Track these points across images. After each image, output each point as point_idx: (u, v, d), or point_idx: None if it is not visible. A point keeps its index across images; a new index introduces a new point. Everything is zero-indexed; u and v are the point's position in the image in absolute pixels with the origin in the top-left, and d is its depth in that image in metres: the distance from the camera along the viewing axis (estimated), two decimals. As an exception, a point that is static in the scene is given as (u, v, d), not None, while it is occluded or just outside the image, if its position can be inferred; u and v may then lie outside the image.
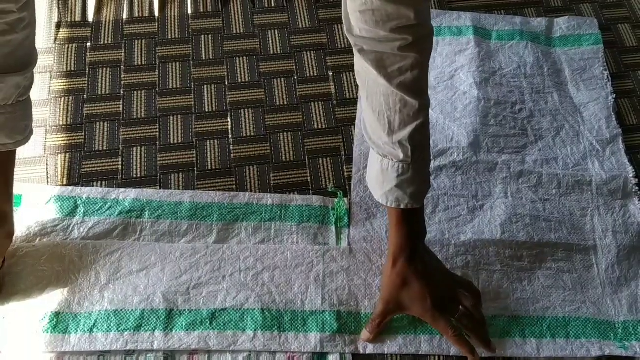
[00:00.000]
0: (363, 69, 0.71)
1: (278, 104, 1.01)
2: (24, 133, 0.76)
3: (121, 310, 0.79)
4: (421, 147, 0.73)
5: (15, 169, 0.89)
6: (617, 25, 1.15)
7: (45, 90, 1.00)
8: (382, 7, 0.64)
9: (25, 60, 0.72)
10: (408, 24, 0.65)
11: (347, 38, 1.07)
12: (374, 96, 0.71)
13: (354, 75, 1.04)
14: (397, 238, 0.78)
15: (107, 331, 0.78)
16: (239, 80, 1.03)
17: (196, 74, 1.03)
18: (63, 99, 0.99)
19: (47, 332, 0.77)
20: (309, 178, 0.94)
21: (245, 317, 0.80)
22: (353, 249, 0.87)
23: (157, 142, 0.96)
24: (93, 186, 0.91)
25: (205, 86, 1.02)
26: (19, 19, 0.67)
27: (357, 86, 1.03)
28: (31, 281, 0.81)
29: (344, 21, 0.69)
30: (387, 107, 0.70)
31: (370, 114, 0.73)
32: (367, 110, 0.73)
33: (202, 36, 1.08)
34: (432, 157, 0.95)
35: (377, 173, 0.75)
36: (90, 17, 1.08)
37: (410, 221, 0.77)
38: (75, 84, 1.01)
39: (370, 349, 0.80)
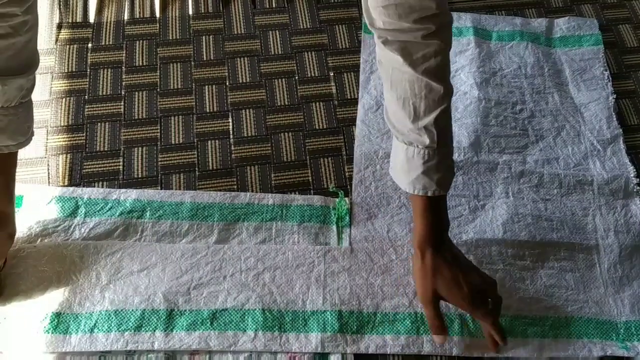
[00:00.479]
0: (387, 59, 0.72)
1: (279, 104, 1.01)
2: (26, 134, 0.76)
3: (122, 310, 0.79)
4: (445, 131, 0.74)
5: (17, 170, 0.90)
6: (618, 26, 1.15)
7: (46, 91, 1.00)
8: (405, 1, 0.66)
9: (28, 63, 0.72)
10: (430, 14, 0.67)
11: (348, 39, 1.09)
12: (398, 84, 0.72)
13: (354, 76, 1.05)
14: (423, 228, 0.78)
15: (108, 331, 0.78)
16: (240, 81, 1.03)
17: (197, 74, 1.04)
18: (64, 99, 0.99)
19: (48, 333, 0.77)
20: (310, 178, 0.94)
21: (246, 317, 0.80)
22: (354, 249, 0.87)
23: (158, 143, 0.96)
24: (94, 187, 0.91)
25: (206, 86, 1.02)
26: (22, 22, 0.68)
27: (357, 86, 1.03)
28: (32, 282, 0.80)
29: (364, 15, 0.71)
30: (412, 94, 0.71)
31: (394, 103, 0.74)
32: (391, 99, 0.74)
33: (203, 37, 1.08)
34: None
35: (402, 162, 0.76)
36: (92, 18, 1.08)
37: (436, 210, 0.77)
38: (76, 85, 1.01)
39: (372, 348, 0.79)
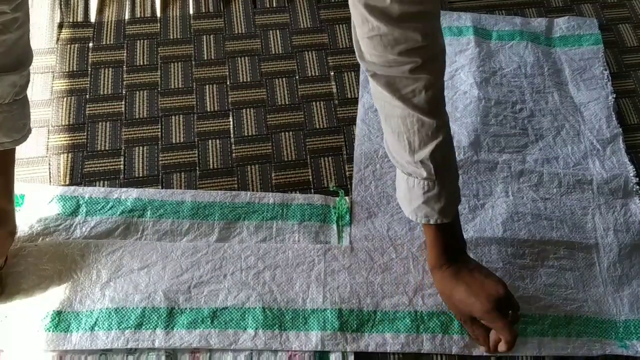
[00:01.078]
0: (378, 92, 0.71)
1: (279, 103, 1.01)
2: (22, 132, 0.76)
3: (122, 308, 0.79)
4: (444, 164, 0.73)
5: (18, 169, 0.90)
6: (618, 25, 1.15)
7: (47, 90, 1.00)
8: (389, 32, 0.64)
9: (20, 60, 0.72)
10: (416, 46, 0.65)
11: (348, 38, 1.09)
12: (391, 118, 0.71)
13: (355, 75, 1.05)
14: (435, 254, 0.79)
15: (109, 329, 0.78)
16: (241, 80, 1.04)
17: (198, 73, 1.04)
18: (65, 99, 0.99)
19: (49, 331, 0.77)
20: (310, 177, 0.95)
21: (247, 315, 0.80)
22: (354, 248, 0.87)
23: (159, 142, 0.96)
24: (95, 186, 0.91)
25: (207, 86, 1.02)
26: (12, 19, 0.68)
27: (358, 85, 1.03)
28: (33, 280, 0.81)
29: (354, 47, 0.70)
30: (405, 129, 0.71)
31: (390, 135, 0.73)
32: (387, 132, 0.74)
33: (204, 36, 1.08)
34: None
35: (405, 191, 0.76)
36: (92, 17, 1.09)
37: (445, 234, 0.78)
38: (77, 84, 1.01)
39: (372, 347, 0.80)
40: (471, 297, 0.76)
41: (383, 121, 0.74)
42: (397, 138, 0.72)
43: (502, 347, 0.77)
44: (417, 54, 0.66)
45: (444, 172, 0.73)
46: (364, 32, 0.66)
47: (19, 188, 0.88)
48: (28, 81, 0.75)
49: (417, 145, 0.71)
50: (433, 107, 0.69)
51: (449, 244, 0.78)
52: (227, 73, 1.04)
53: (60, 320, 0.78)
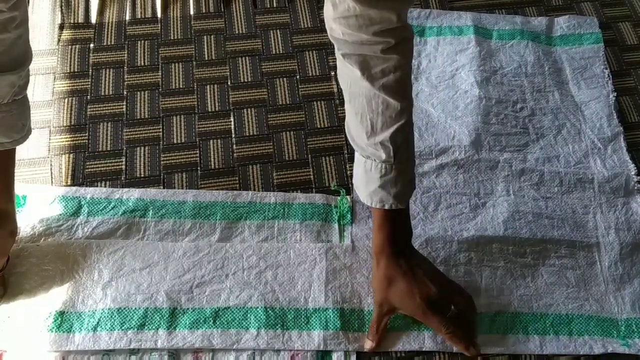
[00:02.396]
0: (346, 72, 0.71)
1: (280, 103, 1.02)
2: (22, 132, 0.76)
3: (124, 308, 0.80)
4: (403, 147, 0.73)
5: (20, 170, 0.90)
6: (618, 24, 1.15)
7: (48, 91, 1.00)
8: (365, 12, 0.64)
9: (19, 59, 0.72)
10: (390, 27, 0.65)
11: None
12: (356, 99, 0.71)
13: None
14: (379, 238, 0.78)
15: (111, 330, 0.78)
16: (242, 80, 1.04)
17: (199, 74, 1.04)
18: (66, 99, 1.00)
19: (52, 332, 0.77)
20: (311, 176, 0.95)
21: (249, 315, 0.80)
22: (356, 247, 0.87)
23: (161, 142, 0.97)
24: (97, 186, 0.91)
25: (208, 86, 1.03)
26: (10, 18, 0.68)
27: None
28: (35, 280, 0.81)
29: (326, 24, 0.70)
30: (369, 109, 0.71)
31: (352, 117, 0.73)
32: (350, 113, 0.74)
33: (205, 36, 1.08)
34: (433, 156, 0.95)
35: (362, 174, 0.76)
36: (93, 18, 1.09)
37: (394, 222, 0.77)
38: (78, 85, 1.01)
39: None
40: (405, 297, 0.77)
41: (347, 102, 0.74)
42: (360, 119, 0.72)
43: (456, 347, 0.79)
44: (390, 35, 0.66)
45: (402, 157, 0.73)
46: (339, 12, 0.65)
47: (20, 189, 0.88)
48: (27, 82, 0.75)
49: (380, 127, 0.71)
50: (400, 89, 0.70)
51: (394, 231, 0.78)
52: (228, 73, 1.04)
53: (63, 320, 0.78)
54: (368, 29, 0.65)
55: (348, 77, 0.71)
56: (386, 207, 0.75)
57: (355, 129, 0.74)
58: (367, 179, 0.75)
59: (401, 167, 0.73)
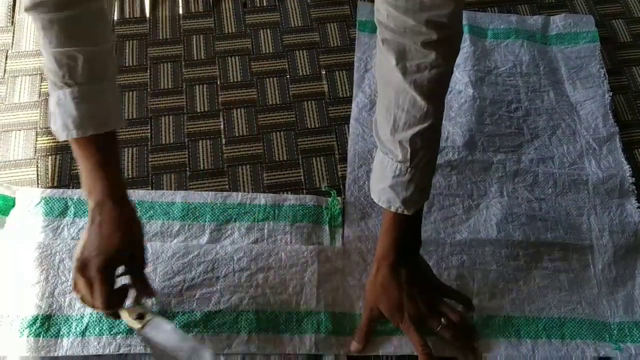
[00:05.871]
0: (381, 60, 0.69)
1: (270, 103, 1.00)
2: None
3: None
4: (423, 153, 0.70)
5: (5, 171, 0.89)
6: (612, 21, 1.15)
7: (35, 92, 0.99)
8: None
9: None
10: (438, 20, 0.63)
11: (340, 37, 1.08)
12: (386, 89, 0.69)
13: (346, 74, 1.04)
14: (384, 243, 0.77)
15: (100, 335, 0.77)
16: (231, 80, 1.02)
17: (188, 74, 1.03)
18: (54, 100, 0.98)
19: (39, 337, 0.76)
20: (302, 177, 0.94)
21: (240, 319, 0.80)
22: (347, 249, 0.86)
23: (149, 143, 0.95)
24: (84, 188, 0.90)
25: (197, 86, 1.01)
26: None
27: (350, 84, 1.02)
28: (21, 283, 0.80)
29: (375, 5, 0.66)
30: (395, 103, 0.68)
31: (380, 108, 0.71)
32: (379, 105, 0.72)
33: (194, 36, 1.07)
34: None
35: (377, 169, 0.74)
36: (81, 17, 1.07)
37: (401, 227, 0.76)
38: (66, 85, 1.00)
39: (365, 350, 0.79)
40: (393, 309, 0.77)
41: (378, 92, 0.72)
42: (385, 113, 0.70)
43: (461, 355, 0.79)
44: (436, 27, 0.63)
45: (419, 162, 0.70)
46: None
47: (8, 190, 0.87)
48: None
49: (402, 124, 0.69)
50: (431, 90, 0.67)
51: (400, 238, 0.76)
52: (218, 73, 1.03)
53: (51, 324, 0.77)
54: (415, 15, 0.62)
55: (383, 65, 0.69)
56: (392, 209, 0.73)
57: (381, 122, 0.72)
58: (380, 176, 0.73)
59: (416, 172, 0.71)
